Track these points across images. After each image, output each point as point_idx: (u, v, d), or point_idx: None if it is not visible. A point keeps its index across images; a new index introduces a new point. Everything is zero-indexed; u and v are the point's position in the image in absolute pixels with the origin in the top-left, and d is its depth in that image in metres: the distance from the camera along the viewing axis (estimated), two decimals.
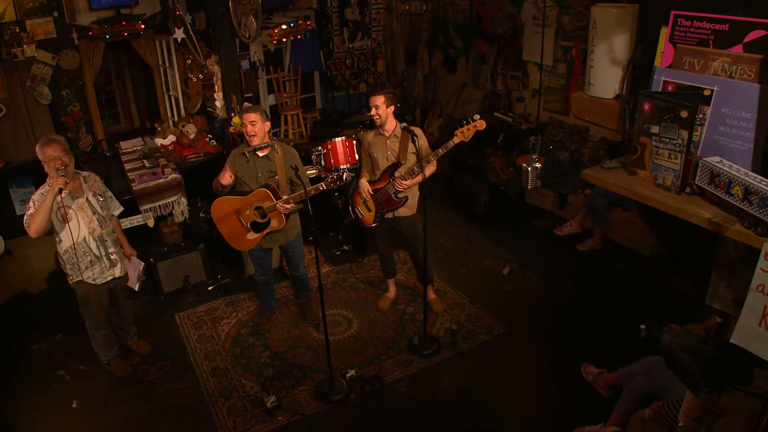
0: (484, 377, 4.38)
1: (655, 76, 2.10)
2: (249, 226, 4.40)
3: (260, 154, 4.33)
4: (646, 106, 2.01)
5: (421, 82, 8.85)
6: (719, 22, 1.96)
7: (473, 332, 4.81)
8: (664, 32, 2.07)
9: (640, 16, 2.28)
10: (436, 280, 5.42)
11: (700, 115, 1.96)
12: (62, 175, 3.73)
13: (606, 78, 2.45)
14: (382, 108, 4.36)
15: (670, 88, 2.05)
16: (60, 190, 3.71)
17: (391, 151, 4.50)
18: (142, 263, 4.59)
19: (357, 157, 5.93)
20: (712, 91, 1.96)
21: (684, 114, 1.87)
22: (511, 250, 6.01)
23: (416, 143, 4.26)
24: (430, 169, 4.44)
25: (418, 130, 4.44)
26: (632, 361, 3.82)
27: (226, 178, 4.30)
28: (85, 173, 4.18)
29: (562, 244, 6.01)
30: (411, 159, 4.50)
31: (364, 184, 4.60)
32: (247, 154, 4.27)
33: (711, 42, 1.99)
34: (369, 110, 4.47)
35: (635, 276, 5.35)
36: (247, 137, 4.26)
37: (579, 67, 6.32)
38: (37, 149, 3.83)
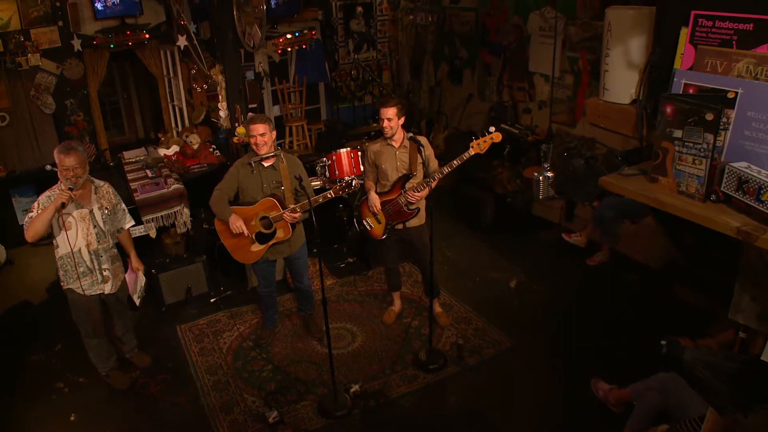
0: (491, 393, 4.27)
1: (675, 79, 2.01)
2: (254, 237, 4.32)
3: (265, 164, 4.25)
4: (669, 109, 1.92)
5: (427, 93, 8.81)
6: (743, 21, 1.87)
7: (480, 346, 4.71)
8: (684, 33, 1.99)
9: (658, 17, 2.19)
10: (442, 293, 5.32)
11: (724, 119, 1.87)
12: (70, 188, 3.71)
13: (622, 82, 2.36)
14: (394, 120, 4.29)
15: (691, 91, 1.96)
16: (63, 205, 3.70)
17: (400, 162, 4.43)
18: (145, 279, 4.51)
19: (362, 168, 5.87)
20: (737, 93, 1.87)
21: (709, 117, 1.78)
22: (518, 262, 5.91)
23: (422, 153, 4.21)
24: (432, 185, 4.38)
25: (423, 140, 4.38)
26: (644, 376, 3.70)
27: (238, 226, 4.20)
28: (99, 182, 4.10)
29: (570, 256, 5.91)
30: (422, 170, 4.43)
31: (375, 198, 4.51)
32: (253, 165, 4.20)
33: (734, 42, 1.90)
34: (377, 121, 4.41)
35: (644, 289, 5.25)
36: (255, 148, 4.18)
37: (586, 78, 6.27)
38: (55, 152, 3.79)
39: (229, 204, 4.29)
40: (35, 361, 4.78)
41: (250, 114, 5.87)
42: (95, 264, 4.06)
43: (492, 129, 4.11)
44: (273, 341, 4.88)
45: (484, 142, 4.13)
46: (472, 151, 4.15)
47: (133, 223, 4.39)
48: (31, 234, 3.78)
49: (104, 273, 4.12)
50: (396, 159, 4.42)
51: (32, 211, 3.83)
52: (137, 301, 4.49)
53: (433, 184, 4.32)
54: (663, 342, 1.97)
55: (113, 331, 4.44)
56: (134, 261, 4.41)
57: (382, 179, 4.53)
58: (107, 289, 4.17)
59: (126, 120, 9.41)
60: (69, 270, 4.00)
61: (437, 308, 5.00)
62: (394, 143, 4.40)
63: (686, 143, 1.91)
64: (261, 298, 4.83)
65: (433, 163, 4.41)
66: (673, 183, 2.02)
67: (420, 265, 4.94)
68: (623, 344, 4.47)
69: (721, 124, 1.88)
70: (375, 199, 4.50)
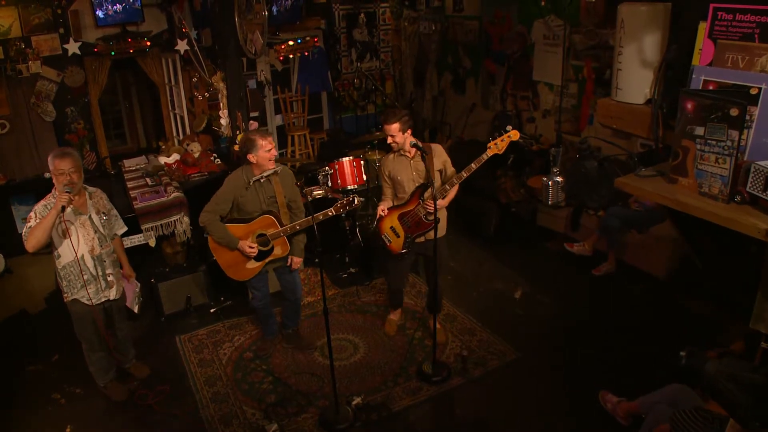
0: (496, 405, 4.18)
1: (693, 76, 1.93)
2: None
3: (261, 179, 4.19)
4: (689, 105, 1.84)
5: (430, 103, 8.76)
6: (766, 13, 1.79)
7: (485, 358, 4.61)
8: (703, 28, 1.91)
9: (674, 12, 2.11)
10: (447, 305, 5.23)
11: (747, 117, 1.78)
12: (67, 191, 3.66)
13: (635, 81, 2.27)
14: (398, 136, 4.21)
15: (711, 87, 1.88)
16: (63, 208, 3.63)
17: (416, 171, 4.30)
18: (139, 284, 4.44)
19: (364, 177, 5.79)
20: (760, 89, 1.78)
21: (734, 112, 1.69)
22: (523, 273, 5.82)
23: (426, 162, 4.11)
24: (452, 192, 4.28)
25: (437, 147, 4.33)
26: (652, 388, 3.61)
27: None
28: (91, 189, 4.08)
29: (575, 266, 5.82)
30: (438, 178, 4.32)
31: (381, 206, 4.40)
32: (251, 183, 4.14)
33: (756, 36, 1.82)
34: (379, 130, 4.35)
35: (651, 299, 5.17)
36: (267, 162, 4.10)
37: (591, 87, 6.22)
38: (50, 158, 3.76)
39: (227, 219, 4.25)
40: (32, 372, 4.70)
41: (254, 128, 5.81)
42: (99, 270, 4.01)
43: (509, 127, 3.98)
44: (273, 352, 4.79)
45: (502, 141, 3.99)
46: (490, 152, 4.01)
47: (125, 229, 4.33)
48: (32, 243, 3.69)
49: (108, 278, 4.08)
50: (411, 169, 4.30)
51: (29, 221, 3.74)
52: (136, 309, 4.42)
53: (453, 191, 4.22)
54: (682, 353, 1.87)
55: (111, 342, 4.35)
56: (126, 268, 4.35)
57: (400, 192, 4.40)
58: (113, 294, 4.13)
59: (128, 129, 9.38)
60: (73, 279, 3.94)
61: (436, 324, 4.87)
62: (407, 153, 4.29)
63: (708, 141, 1.82)
64: (257, 311, 4.74)
65: (450, 170, 4.31)
66: (694, 183, 1.92)
67: (429, 278, 4.80)
68: (630, 355, 4.39)
69: (744, 121, 1.79)
70: (381, 207, 4.41)
